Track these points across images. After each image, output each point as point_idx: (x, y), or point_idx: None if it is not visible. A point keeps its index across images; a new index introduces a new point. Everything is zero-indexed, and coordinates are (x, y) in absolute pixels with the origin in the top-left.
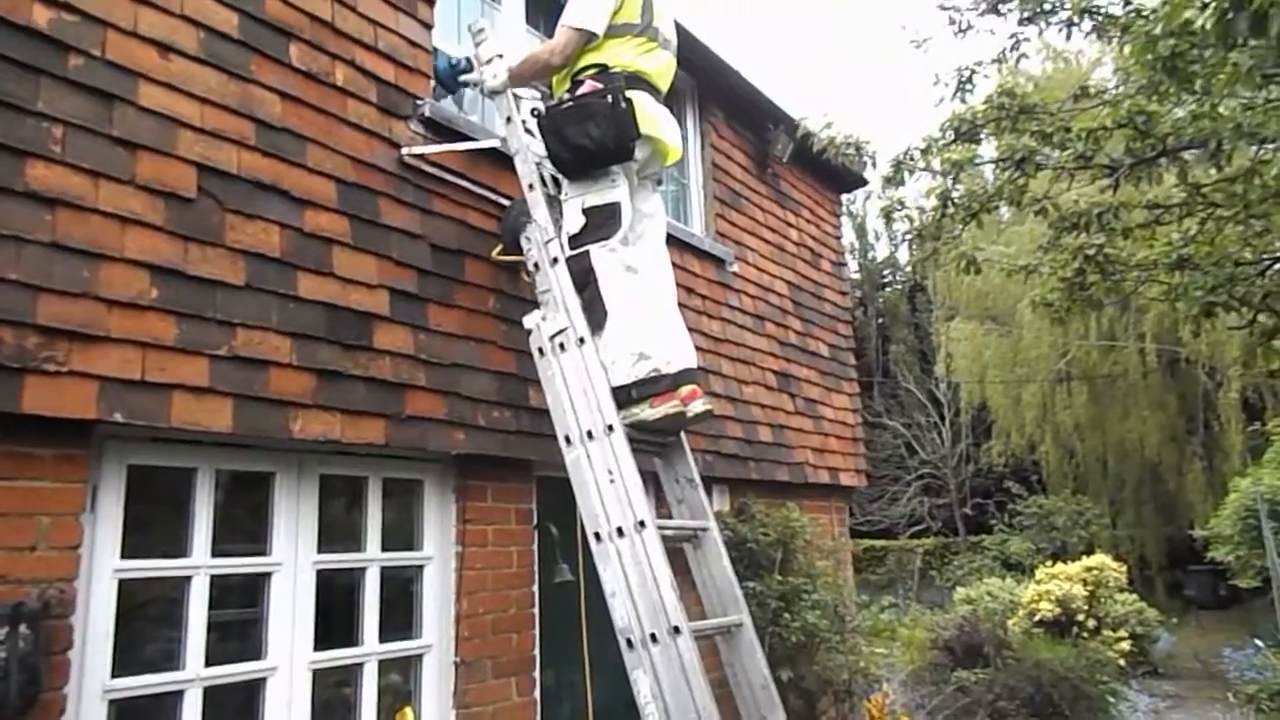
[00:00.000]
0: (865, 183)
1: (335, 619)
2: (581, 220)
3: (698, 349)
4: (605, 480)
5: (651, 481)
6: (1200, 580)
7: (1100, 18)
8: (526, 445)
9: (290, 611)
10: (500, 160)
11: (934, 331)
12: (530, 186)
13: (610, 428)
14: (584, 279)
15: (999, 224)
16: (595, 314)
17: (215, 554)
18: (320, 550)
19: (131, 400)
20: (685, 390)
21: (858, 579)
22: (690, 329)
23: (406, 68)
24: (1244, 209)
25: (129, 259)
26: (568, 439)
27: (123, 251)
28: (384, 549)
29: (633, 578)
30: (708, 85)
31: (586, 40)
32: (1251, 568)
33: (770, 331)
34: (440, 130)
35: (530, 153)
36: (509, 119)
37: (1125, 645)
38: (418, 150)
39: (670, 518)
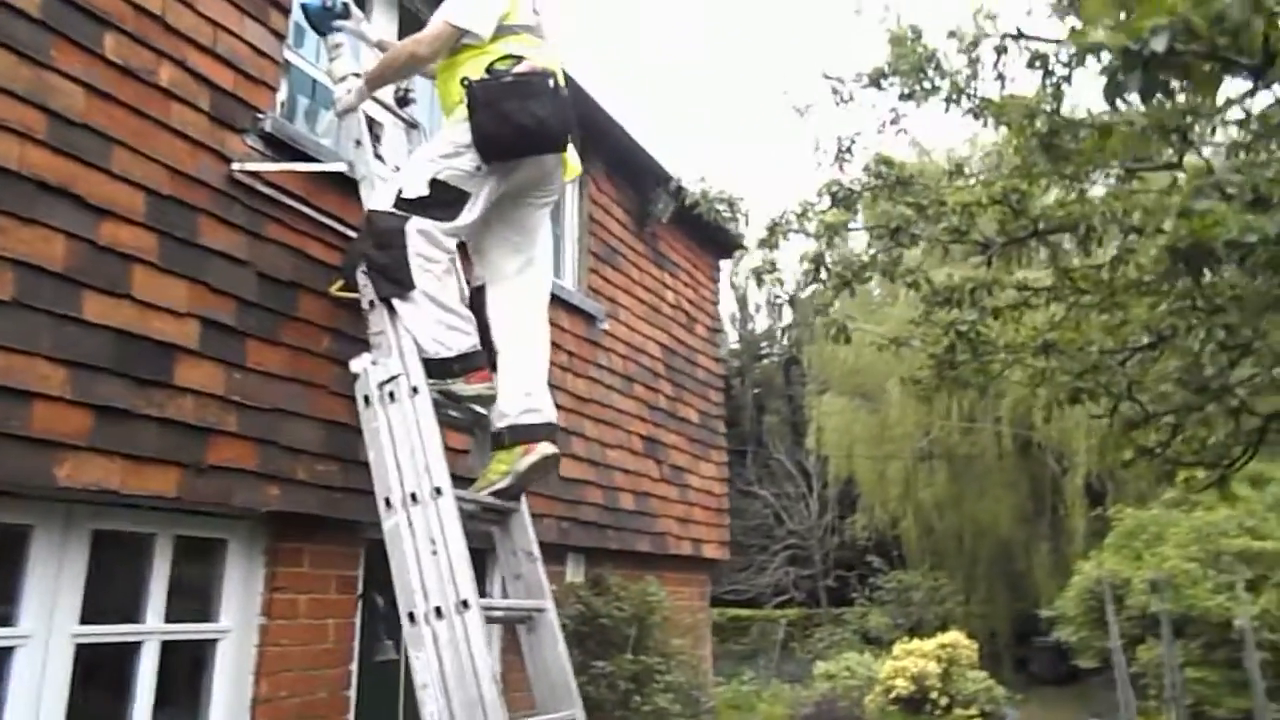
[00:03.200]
0: (744, 247)
1: (96, 705)
2: (424, 190)
3: (560, 408)
4: (426, 551)
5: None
6: (1043, 657)
7: (977, 100)
8: (355, 504)
9: (35, 696)
10: (350, 187)
11: (806, 405)
12: None
13: (438, 490)
14: (389, 240)
15: (870, 304)
16: (397, 274)
17: None
18: (85, 620)
19: None
20: (538, 445)
21: (721, 649)
22: (553, 387)
23: (249, 77)
24: (1109, 296)
25: None
26: (388, 501)
27: None
28: (169, 619)
29: (449, 668)
30: (589, 137)
31: (459, 38)
32: (1091, 648)
33: (639, 394)
34: (283, 149)
35: (378, 180)
36: (358, 142)
37: None
38: (251, 167)
39: (505, 595)
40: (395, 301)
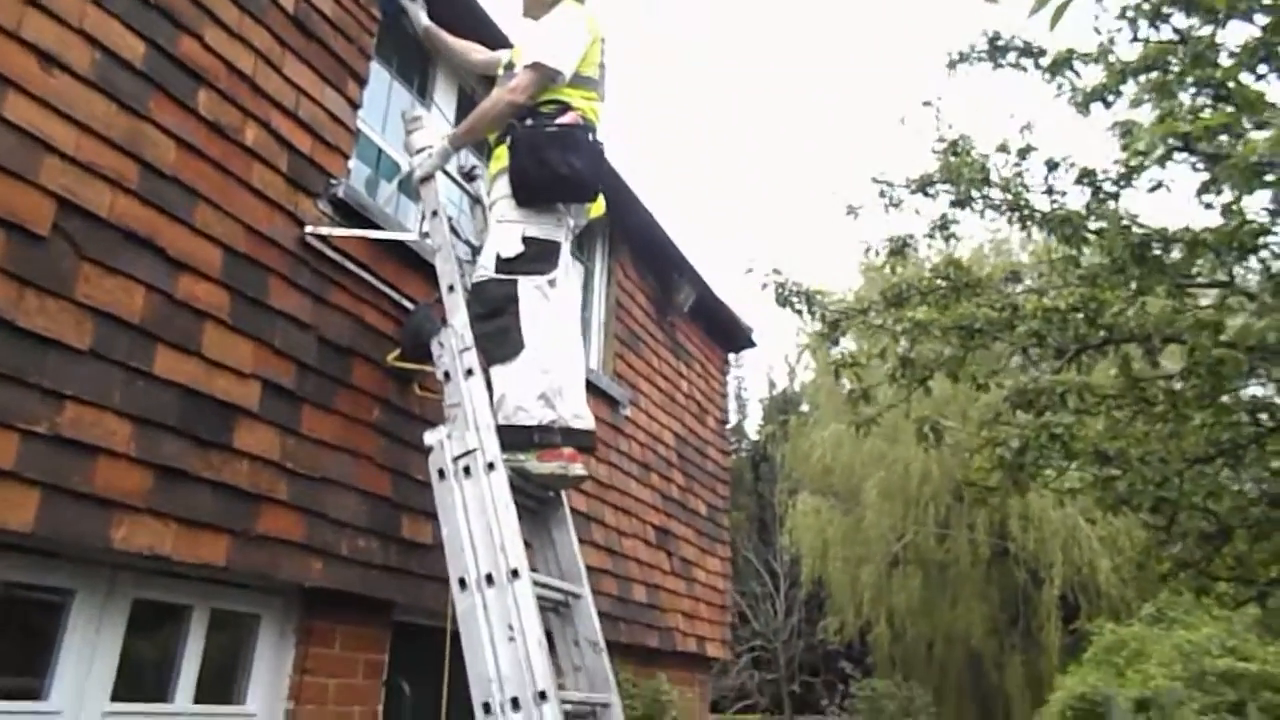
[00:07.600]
0: (754, 344)
1: None
2: (519, 247)
3: (583, 493)
4: (503, 637)
5: None
6: None
7: (1028, 210)
8: (391, 583)
9: None
10: (407, 258)
11: (777, 503)
12: (450, 288)
13: (515, 573)
14: (500, 305)
15: (841, 405)
16: (508, 343)
17: None
18: (115, 698)
19: None
20: (568, 450)
21: None
22: None
23: (325, 143)
24: (1175, 408)
25: None
26: (462, 582)
27: None
28: (198, 699)
29: None
30: (619, 221)
31: (550, 81)
32: None
33: (654, 483)
34: (351, 215)
35: (453, 251)
36: (434, 212)
37: None
38: (323, 231)
39: (563, 688)
40: (497, 366)
